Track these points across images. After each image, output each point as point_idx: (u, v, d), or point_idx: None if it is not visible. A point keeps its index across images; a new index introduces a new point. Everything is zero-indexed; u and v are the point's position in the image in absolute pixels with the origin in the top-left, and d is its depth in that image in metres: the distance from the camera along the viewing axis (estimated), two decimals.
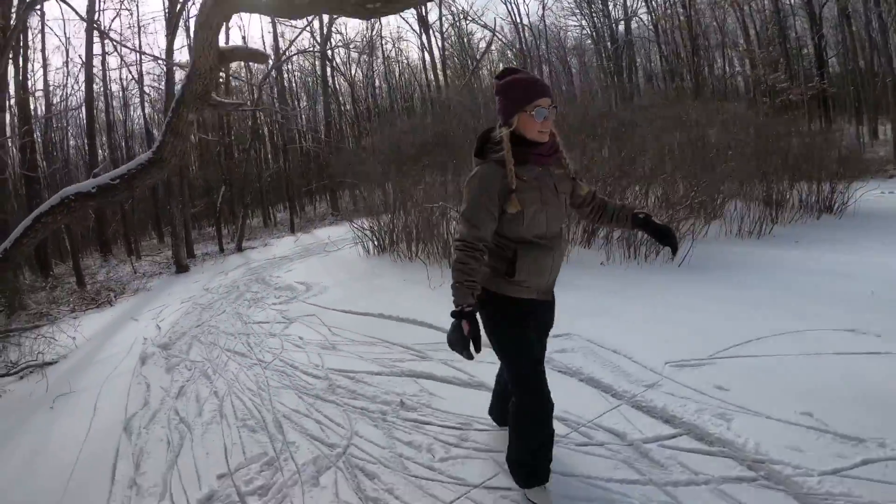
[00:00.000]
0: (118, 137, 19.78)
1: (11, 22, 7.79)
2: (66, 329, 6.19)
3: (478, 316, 1.63)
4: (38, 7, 11.58)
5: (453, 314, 1.58)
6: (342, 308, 4.91)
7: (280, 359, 3.81)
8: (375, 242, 7.27)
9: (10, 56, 7.98)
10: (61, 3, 11.36)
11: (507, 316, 1.76)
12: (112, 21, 20.67)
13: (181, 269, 10.90)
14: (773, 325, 3.03)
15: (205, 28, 2.94)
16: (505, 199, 1.65)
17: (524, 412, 1.79)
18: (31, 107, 13.37)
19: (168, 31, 12.20)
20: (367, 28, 22.45)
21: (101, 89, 15.95)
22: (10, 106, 10.84)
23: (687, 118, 8.65)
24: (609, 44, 21.79)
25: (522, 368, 1.76)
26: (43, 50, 14.82)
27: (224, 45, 3.47)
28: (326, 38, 18.00)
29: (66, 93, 16.08)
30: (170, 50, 12.16)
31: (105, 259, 13.71)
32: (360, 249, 7.53)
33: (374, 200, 7.59)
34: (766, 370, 2.55)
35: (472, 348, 1.55)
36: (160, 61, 13.01)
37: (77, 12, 11.96)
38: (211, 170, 16.56)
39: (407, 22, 21.23)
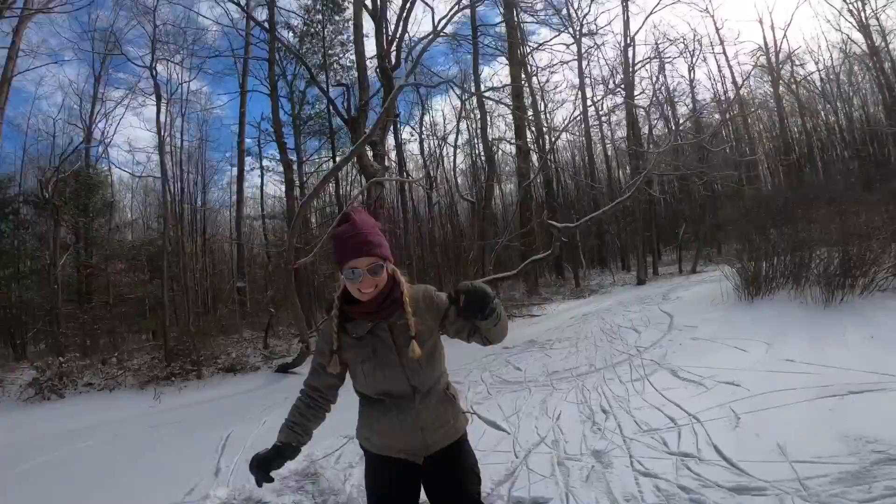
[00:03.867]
0: None
1: None
2: (553, 305, 11.24)
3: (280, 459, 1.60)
4: None
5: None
6: None
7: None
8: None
9: None
10: None
11: (365, 465, 1.73)
12: None
13: (640, 282, 14.51)
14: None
15: None
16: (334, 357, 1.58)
17: None
18: None
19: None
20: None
21: None
22: None
23: None
24: None
25: None
26: None
27: None
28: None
29: None
30: None
31: (602, 270, 19.27)
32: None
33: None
34: None
35: (256, 473, 1.56)
36: None
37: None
38: None
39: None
